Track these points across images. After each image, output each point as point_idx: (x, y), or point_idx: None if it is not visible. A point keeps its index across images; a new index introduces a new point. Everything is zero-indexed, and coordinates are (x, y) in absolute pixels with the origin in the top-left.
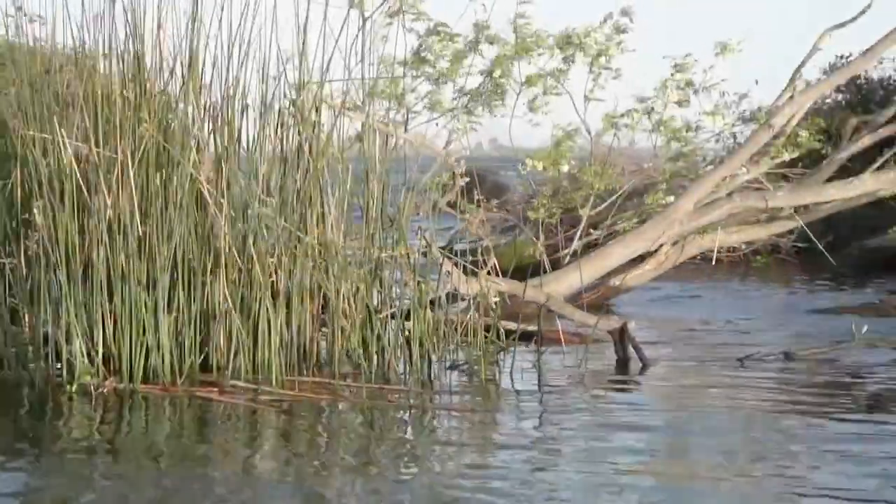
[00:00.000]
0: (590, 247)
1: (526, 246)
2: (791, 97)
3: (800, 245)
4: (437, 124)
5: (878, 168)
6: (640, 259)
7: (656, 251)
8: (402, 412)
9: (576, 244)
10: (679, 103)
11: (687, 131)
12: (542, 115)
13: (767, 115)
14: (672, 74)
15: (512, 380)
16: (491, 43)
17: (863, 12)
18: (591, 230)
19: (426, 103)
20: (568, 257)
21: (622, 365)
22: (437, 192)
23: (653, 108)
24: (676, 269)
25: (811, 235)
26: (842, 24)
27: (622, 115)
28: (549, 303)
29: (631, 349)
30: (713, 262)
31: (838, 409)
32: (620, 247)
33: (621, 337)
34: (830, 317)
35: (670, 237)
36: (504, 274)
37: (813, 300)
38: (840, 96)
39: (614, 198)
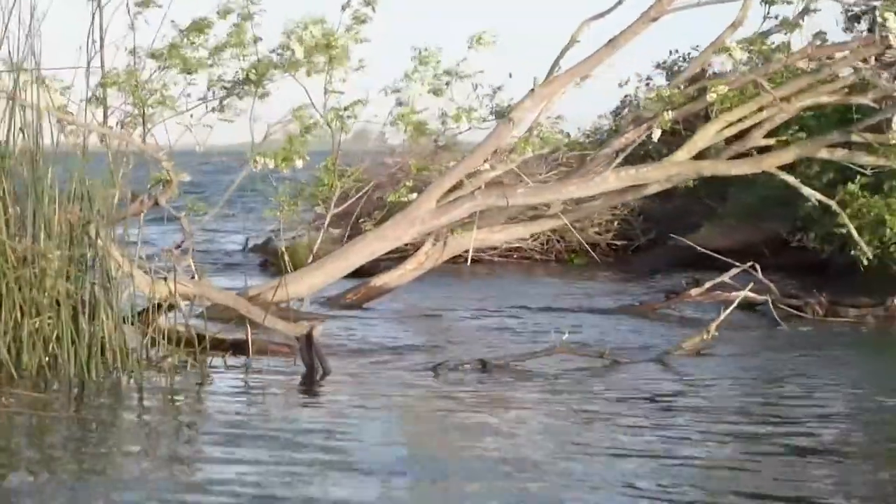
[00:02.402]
0: None
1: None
2: (532, 90)
3: (617, 243)
4: (191, 115)
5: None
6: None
7: (416, 251)
8: None
9: (318, 245)
10: (435, 92)
11: (444, 123)
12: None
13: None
14: (415, 67)
15: (172, 391)
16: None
17: (619, 2)
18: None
19: (159, 98)
20: (311, 257)
21: (307, 373)
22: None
23: (399, 102)
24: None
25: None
26: (600, 15)
27: (345, 109)
28: (236, 306)
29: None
30: (468, 262)
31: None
32: (361, 246)
33: (307, 343)
34: (588, 319)
35: (413, 236)
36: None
37: (590, 300)
38: (691, 89)
39: (358, 196)
